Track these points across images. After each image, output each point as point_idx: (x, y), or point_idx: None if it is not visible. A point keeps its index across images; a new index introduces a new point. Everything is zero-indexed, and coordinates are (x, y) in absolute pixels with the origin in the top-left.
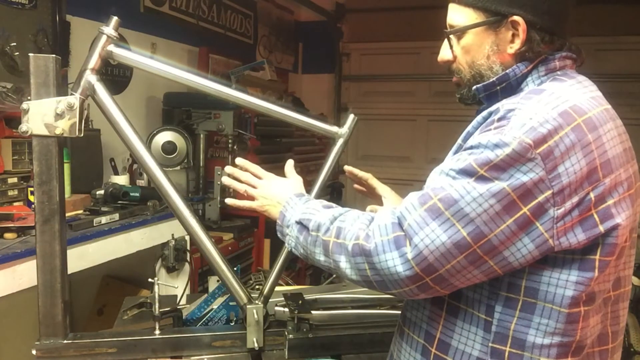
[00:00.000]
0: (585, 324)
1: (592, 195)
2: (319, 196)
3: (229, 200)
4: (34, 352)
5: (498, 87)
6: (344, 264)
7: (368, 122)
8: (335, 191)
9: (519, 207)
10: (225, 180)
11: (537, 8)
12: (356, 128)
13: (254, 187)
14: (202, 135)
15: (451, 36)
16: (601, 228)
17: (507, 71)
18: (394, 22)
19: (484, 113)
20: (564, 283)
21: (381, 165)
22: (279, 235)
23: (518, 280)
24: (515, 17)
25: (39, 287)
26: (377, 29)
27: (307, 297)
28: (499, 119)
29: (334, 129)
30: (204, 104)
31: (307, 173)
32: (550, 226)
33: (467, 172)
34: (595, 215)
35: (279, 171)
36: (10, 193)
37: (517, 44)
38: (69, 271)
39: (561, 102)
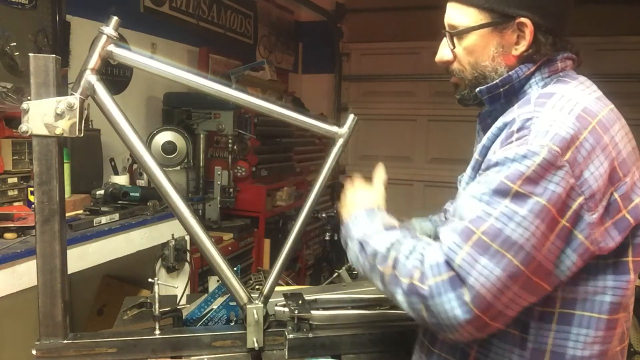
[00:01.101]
0: (621, 329)
1: (616, 195)
2: (319, 196)
3: None
4: (34, 352)
5: (501, 89)
6: (400, 298)
7: (368, 122)
8: (335, 191)
9: (557, 221)
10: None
11: (544, 10)
12: (356, 128)
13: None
14: (202, 135)
15: (460, 36)
16: (635, 229)
17: (511, 73)
18: (394, 22)
19: (499, 124)
20: (601, 289)
21: None
22: (342, 242)
23: (554, 292)
24: (523, 19)
25: (39, 287)
26: (377, 29)
27: (307, 297)
28: (519, 130)
29: (334, 129)
30: (204, 104)
31: (307, 173)
32: (588, 233)
33: (501, 193)
34: (628, 215)
35: (279, 171)
36: (10, 193)
37: (522, 46)
38: (69, 271)
39: (573, 105)
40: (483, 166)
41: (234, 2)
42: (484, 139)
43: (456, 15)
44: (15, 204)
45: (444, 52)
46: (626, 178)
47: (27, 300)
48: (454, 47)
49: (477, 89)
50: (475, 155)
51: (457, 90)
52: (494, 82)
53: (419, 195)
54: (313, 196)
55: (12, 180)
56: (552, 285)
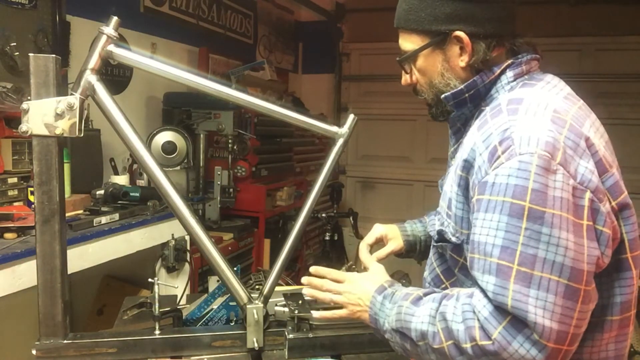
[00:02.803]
0: (632, 326)
1: (606, 185)
2: (319, 196)
3: (316, 314)
4: (34, 352)
5: (467, 95)
6: None
7: (368, 122)
8: (335, 191)
9: (580, 225)
10: (306, 291)
11: (475, 19)
12: (356, 128)
13: (338, 293)
14: (202, 135)
15: (408, 61)
16: (621, 221)
17: (475, 78)
18: (393, 22)
19: (477, 138)
20: (615, 290)
21: (381, 165)
22: (376, 334)
23: None
24: (457, 33)
25: (39, 287)
26: (377, 29)
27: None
28: (501, 142)
29: (334, 129)
30: (204, 104)
31: (307, 173)
32: (609, 222)
33: (515, 215)
34: (615, 206)
35: (279, 171)
36: (10, 193)
37: (466, 57)
38: (69, 271)
39: (544, 108)
40: (477, 188)
41: (234, 2)
42: (464, 153)
43: (404, 42)
44: (15, 204)
45: (405, 77)
46: (612, 169)
47: (27, 300)
48: (409, 71)
49: (443, 96)
50: (458, 171)
51: (429, 109)
52: (459, 88)
53: (418, 195)
54: (313, 196)
55: (12, 180)
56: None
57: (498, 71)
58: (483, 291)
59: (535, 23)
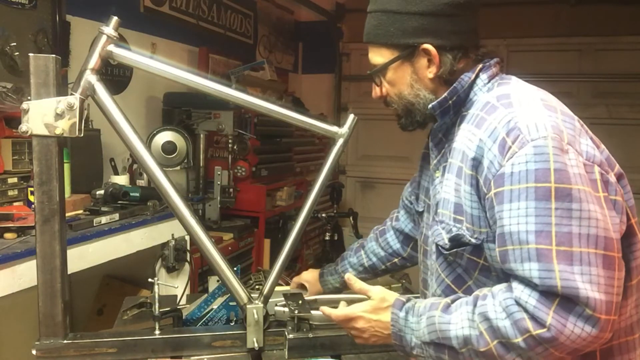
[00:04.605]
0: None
1: (603, 157)
2: (319, 196)
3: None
4: (34, 352)
5: (450, 102)
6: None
7: (368, 122)
8: (335, 191)
9: (598, 197)
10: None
11: (442, 32)
12: (356, 128)
13: (354, 335)
14: (202, 135)
15: (378, 74)
16: (621, 189)
17: (455, 85)
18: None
19: (481, 135)
20: (626, 257)
21: (381, 165)
22: (399, 351)
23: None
24: (425, 45)
25: (39, 287)
26: None
27: (307, 297)
28: (508, 134)
29: (334, 129)
30: (204, 104)
31: (307, 173)
32: (619, 191)
33: (543, 197)
34: (614, 176)
35: (279, 171)
36: (10, 193)
37: (433, 68)
38: (69, 271)
39: (532, 99)
40: (492, 182)
41: (234, 2)
42: (469, 151)
43: (374, 56)
44: (15, 204)
45: (376, 89)
46: (600, 147)
47: (27, 300)
48: (379, 83)
49: (430, 105)
50: (466, 169)
51: (398, 119)
52: (443, 96)
53: None
54: (313, 196)
55: (12, 180)
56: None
57: (473, 75)
58: (523, 281)
59: (535, 23)
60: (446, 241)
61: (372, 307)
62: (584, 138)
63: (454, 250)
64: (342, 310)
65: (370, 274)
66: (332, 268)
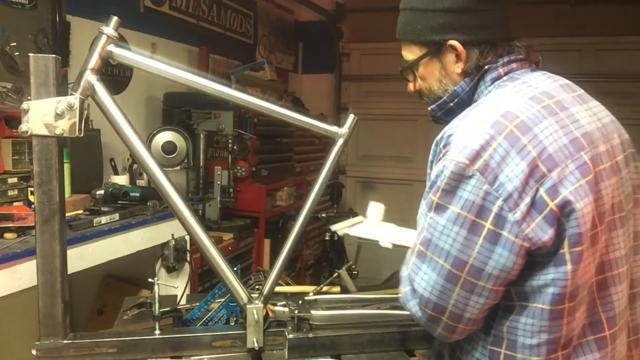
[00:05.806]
0: (570, 319)
1: (541, 191)
2: (319, 196)
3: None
4: (34, 352)
5: (451, 104)
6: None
7: (368, 122)
8: (335, 191)
9: (481, 225)
10: None
11: (467, 28)
12: (356, 128)
13: None
14: (202, 135)
15: (411, 70)
16: (563, 219)
17: (455, 88)
18: (393, 22)
19: (437, 139)
20: (543, 282)
21: (381, 165)
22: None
23: (509, 287)
24: (451, 42)
25: (39, 287)
26: (377, 29)
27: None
28: (444, 146)
29: (334, 129)
30: (204, 104)
31: (307, 173)
32: (517, 230)
33: (428, 206)
34: (554, 207)
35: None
36: (10, 193)
37: (461, 64)
38: (69, 271)
39: (492, 113)
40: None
41: (234, 2)
42: (430, 154)
43: (405, 52)
44: (15, 204)
45: (409, 85)
46: (552, 173)
47: (27, 300)
48: (412, 79)
49: (429, 108)
50: (427, 169)
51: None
52: (443, 99)
53: (419, 195)
54: (313, 196)
55: (12, 180)
56: (502, 284)
57: (476, 78)
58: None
59: (535, 23)
60: None
61: None
62: (512, 166)
63: None
64: None
65: None
66: None
